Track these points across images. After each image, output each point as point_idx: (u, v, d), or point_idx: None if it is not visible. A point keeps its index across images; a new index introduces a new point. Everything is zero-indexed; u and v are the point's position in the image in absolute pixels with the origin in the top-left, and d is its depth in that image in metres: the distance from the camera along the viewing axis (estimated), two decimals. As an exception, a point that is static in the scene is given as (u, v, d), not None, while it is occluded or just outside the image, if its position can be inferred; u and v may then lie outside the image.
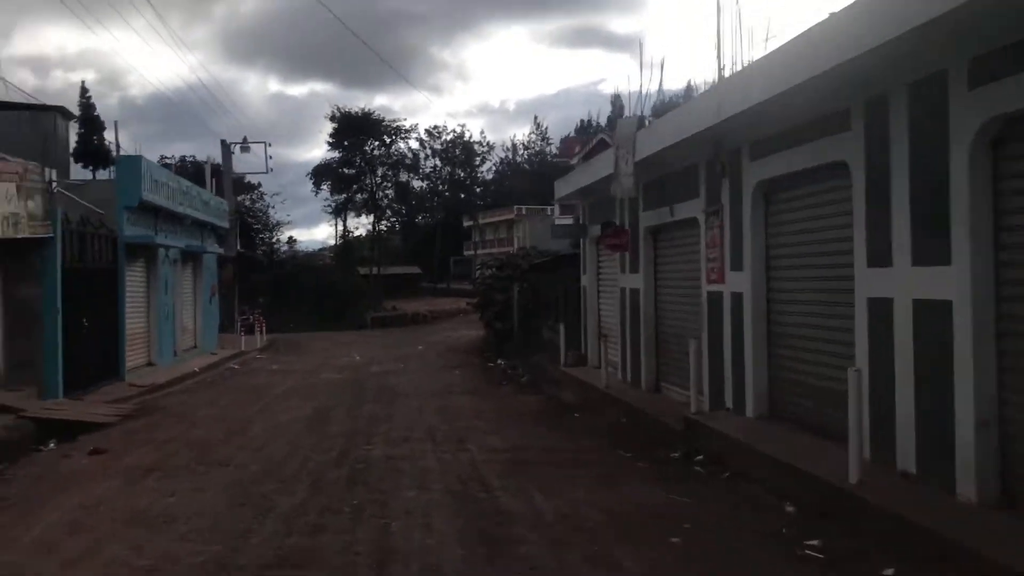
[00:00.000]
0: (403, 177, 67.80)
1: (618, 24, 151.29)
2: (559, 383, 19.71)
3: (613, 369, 17.36)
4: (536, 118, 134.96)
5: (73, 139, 22.01)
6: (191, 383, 21.06)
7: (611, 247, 16.71)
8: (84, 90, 20.57)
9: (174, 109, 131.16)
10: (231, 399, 17.58)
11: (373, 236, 68.61)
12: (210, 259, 29.70)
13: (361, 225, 71.03)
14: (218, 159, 35.68)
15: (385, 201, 68.18)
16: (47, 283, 16.33)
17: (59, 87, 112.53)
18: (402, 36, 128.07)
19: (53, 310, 16.33)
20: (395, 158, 66.14)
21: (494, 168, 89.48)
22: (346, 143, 62.68)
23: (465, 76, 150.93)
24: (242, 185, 69.99)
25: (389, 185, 67.07)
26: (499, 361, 28.32)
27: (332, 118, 63.68)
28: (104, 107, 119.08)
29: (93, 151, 20.86)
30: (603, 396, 16.41)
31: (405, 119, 62.55)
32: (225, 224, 30.75)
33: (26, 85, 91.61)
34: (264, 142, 32.51)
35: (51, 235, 16.22)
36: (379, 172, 65.51)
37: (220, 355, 28.34)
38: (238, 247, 31.86)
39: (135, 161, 20.73)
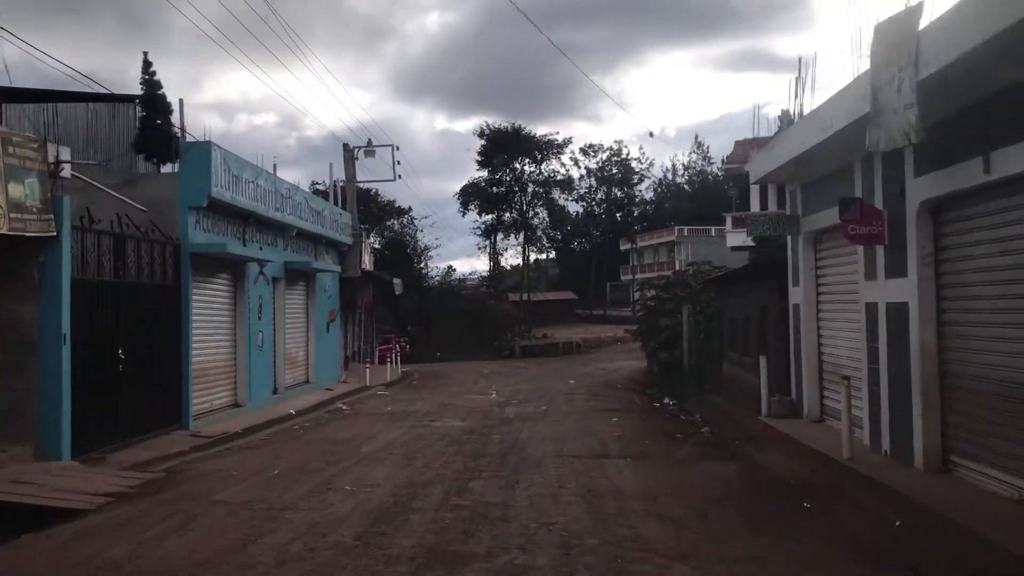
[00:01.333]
0: (556, 196, 62.31)
1: (782, 45, 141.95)
2: (761, 442, 13.60)
3: (856, 428, 11.18)
4: (697, 137, 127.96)
5: (134, 125, 17.54)
6: (268, 433, 16.13)
7: (855, 238, 10.55)
8: (147, 63, 15.21)
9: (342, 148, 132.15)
10: (295, 462, 12.35)
11: (523, 260, 63.56)
12: (327, 279, 25.13)
13: (510, 246, 66.15)
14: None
15: (536, 221, 62.92)
16: (46, 300, 11.72)
17: (243, 130, 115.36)
18: (564, 67, 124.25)
19: (55, 336, 11.70)
20: (547, 176, 60.83)
21: (653, 188, 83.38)
22: (495, 161, 57.99)
23: (625, 104, 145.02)
24: (391, 210, 67.13)
25: (540, 203, 61.73)
26: (666, 401, 22.39)
27: (481, 134, 59.30)
28: (283, 147, 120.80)
29: (156, 139, 16.24)
30: (843, 471, 10.28)
31: (557, 133, 56.88)
32: (347, 240, 26.18)
33: (216, 129, 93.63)
34: (391, 145, 27.85)
35: (52, 233, 11.61)
36: (529, 190, 60.39)
37: (337, 391, 23.65)
38: (365, 265, 27.14)
39: (203, 148, 16.11)
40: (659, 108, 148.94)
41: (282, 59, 55.64)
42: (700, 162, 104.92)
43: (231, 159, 17.08)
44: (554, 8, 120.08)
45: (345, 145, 26.81)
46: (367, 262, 27.51)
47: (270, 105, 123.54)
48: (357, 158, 26.92)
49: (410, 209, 66.26)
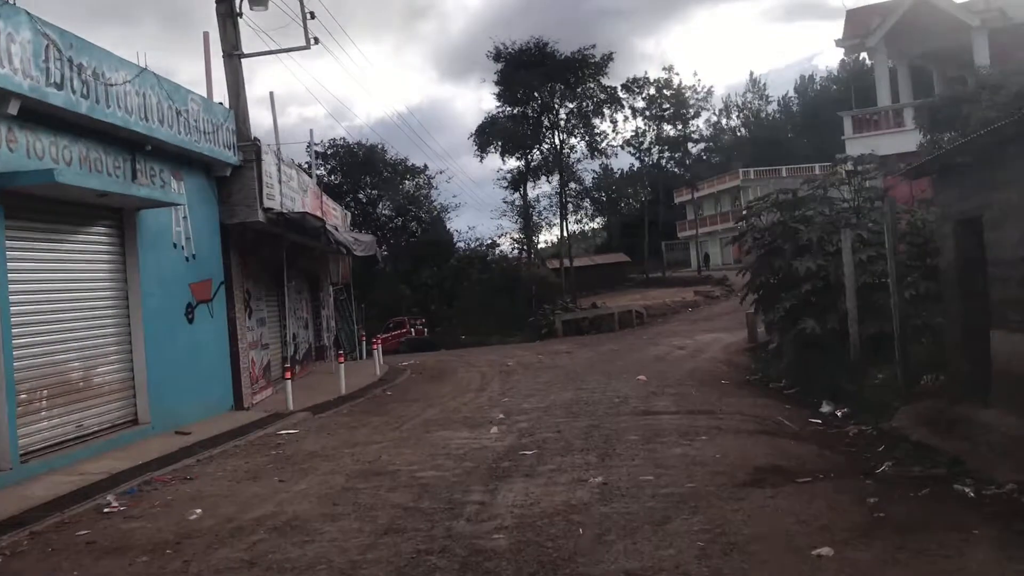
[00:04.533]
0: (597, 124, 48.83)
1: None
2: None
3: None
4: (752, 74, 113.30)
5: None
6: None
7: None
8: None
9: (392, 131, 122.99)
10: None
11: (560, 209, 50.68)
12: (179, 223, 13.34)
13: (543, 195, 53.18)
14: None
15: (574, 157, 49.62)
16: None
17: (294, 122, 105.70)
18: (603, 33, 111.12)
19: None
20: (586, 100, 47.45)
21: (711, 126, 70.07)
22: (518, 90, 45.25)
23: (668, 65, 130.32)
24: (402, 169, 55.41)
25: (580, 134, 48.49)
26: (828, 410, 10.78)
27: (497, 56, 46.35)
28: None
29: None
30: None
31: (593, 47, 43.45)
32: (227, 156, 14.39)
33: (265, 122, 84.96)
34: None
35: None
36: (564, 122, 47.27)
37: (184, 440, 11.94)
38: (276, 209, 15.35)
39: None
40: (705, 67, 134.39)
41: (327, 46, 44.65)
42: (757, 101, 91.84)
43: None
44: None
45: (213, -11, 14.90)
46: (276, 203, 15.57)
47: (318, 95, 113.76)
48: (240, 13, 15.06)
49: (425, 168, 54.38)
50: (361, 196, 53.02)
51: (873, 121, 26.01)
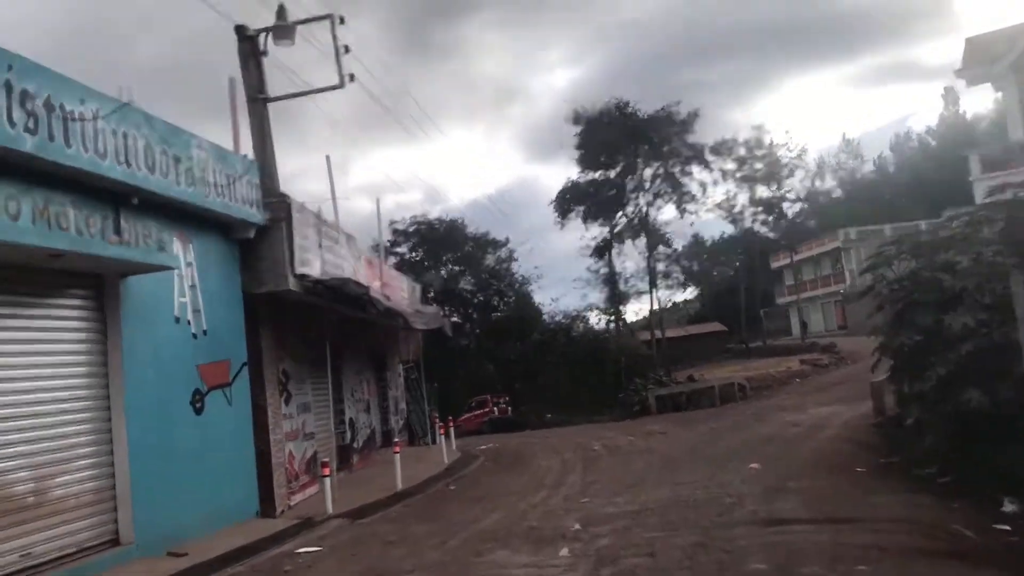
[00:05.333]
0: (685, 184, 45.63)
1: (927, 52, 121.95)
2: None
3: None
4: (844, 135, 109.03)
5: None
6: None
7: None
8: None
9: (482, 213, 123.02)
10: None
11: (649, 274, 47.37)
12: (185, 295, 11.07)
13: (628, 256, 49.99)
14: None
15: (660, 218, 46.36)
16: None
17: (391, 207, 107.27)
18: (689, 106, 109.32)
19: None
20: (672, 158, 44.33)
21: (805, 186, 66.05)
22: (601, 157, 42.66)
23: (758, 124, 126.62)
24: (486, 242, 53.41)
25: (667, 195, 45.33)
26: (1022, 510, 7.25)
27: (576, 120, 43.95)
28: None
29: None
30: None
31: (679, 103, 40.40)
32: (251, 215, 12.19)
33: (364, 209, 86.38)
34: (330, 16, 13.19)
35: None
36: (649, 183, 44.36)
37: (209, 551, 9.53)
38: (313, 275, 13.00)
39: None
40: (794, 134, 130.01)
41: (417, 136, 44.33)
42: (850, 160, 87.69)
43: None
44: (676, 49, 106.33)
45: (238, 28, 12.78)
46: (316, 269, 13.26)
47: (412, 183, 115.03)
48: (264, 52, 13.01)
49: (507, 240, 52.17)
50: (443, 272, 51.18)
51: (1006, 160, 22.49)
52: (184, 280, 10.94)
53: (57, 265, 8.54)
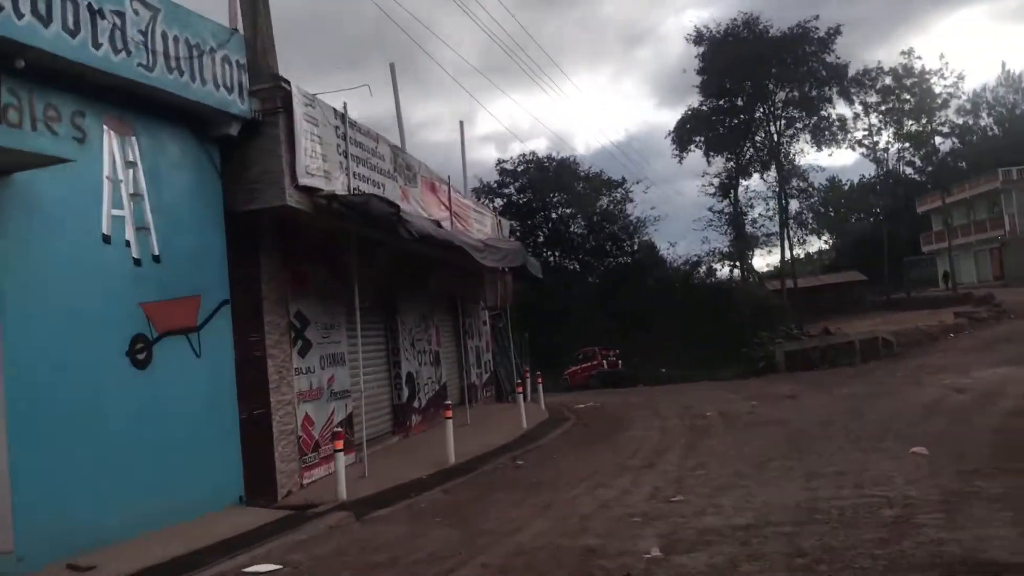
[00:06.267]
0: (825, 109, 39.94)
1: None
2: None
3: None
4: (1004, 65, 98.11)
5: None
6: None
7: None
8: None
9: (609, 160, 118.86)
10: None
11: (779, 214, 42.22)
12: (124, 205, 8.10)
13: (757, 194, 44.74)
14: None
15: (793, 151, 41.03)
16: None
17: (514, 155, 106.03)
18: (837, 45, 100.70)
19: None
20: (811, 77, 38.56)
21: (959, 122, 58.51)
22: (727, 82, 37.71)
23: (907, 49, 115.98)
24: (599, 182, 49.50)
25: (803, 122, 39.81)
26: None
27: (698, 39, 38.87)
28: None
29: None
30: None
31: (816, 18, 35.06)
32: (235, 105, 9.12)
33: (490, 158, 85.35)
34: None
35: None
36: (781, 108, 38.96)
37: (132, 561, 6.66)
38: (325, 189, 9.77)
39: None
40: (950, 61, 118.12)
41: (541, 82, 40.88)
42: (1011, 95, 78.33)
43: None
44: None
45: None
46: (337, 185, 10.12)
47: (539, 131, 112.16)
48: None
49: (623, 180, 47.98)
50: (553, 215, 47.68)
51: None
52: (123, 186, 7.94)
53: None
